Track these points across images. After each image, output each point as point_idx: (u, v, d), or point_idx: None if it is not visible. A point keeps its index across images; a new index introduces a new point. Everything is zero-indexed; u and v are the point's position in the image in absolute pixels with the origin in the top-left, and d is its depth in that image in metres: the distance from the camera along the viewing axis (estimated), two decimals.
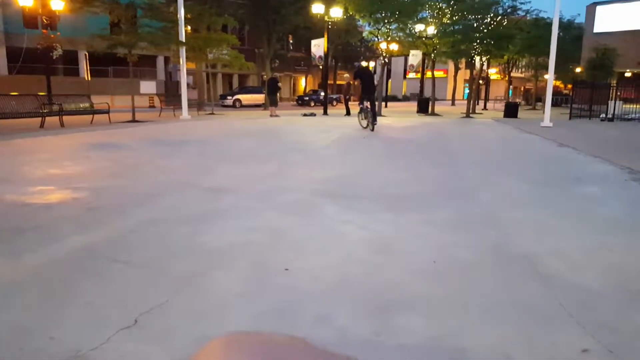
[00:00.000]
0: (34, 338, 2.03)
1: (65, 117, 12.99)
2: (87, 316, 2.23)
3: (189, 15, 17.15)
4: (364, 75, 12.57)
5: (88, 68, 18.31)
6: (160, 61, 25.92)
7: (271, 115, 18.85)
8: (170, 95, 20.34)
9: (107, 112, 14.36)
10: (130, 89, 16.06)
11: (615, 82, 22.61)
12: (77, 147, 8.84)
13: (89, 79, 17.61)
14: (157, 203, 4.46)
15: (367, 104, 12.36)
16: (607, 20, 35.03)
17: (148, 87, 19.19)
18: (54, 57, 17.12)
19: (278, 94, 20.73)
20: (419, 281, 2.68)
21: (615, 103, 19.30)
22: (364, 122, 12.67)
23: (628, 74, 33.31)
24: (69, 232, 3.50)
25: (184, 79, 17.43)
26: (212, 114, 20.24)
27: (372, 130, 12.21)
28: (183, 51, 16.92)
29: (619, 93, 19.87)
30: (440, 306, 2.38)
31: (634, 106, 19.14)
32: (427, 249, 3.24)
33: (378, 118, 13.37)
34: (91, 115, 14.16)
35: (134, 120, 14.78)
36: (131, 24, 15.11)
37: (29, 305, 2.35)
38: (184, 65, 17.21)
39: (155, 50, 18.79)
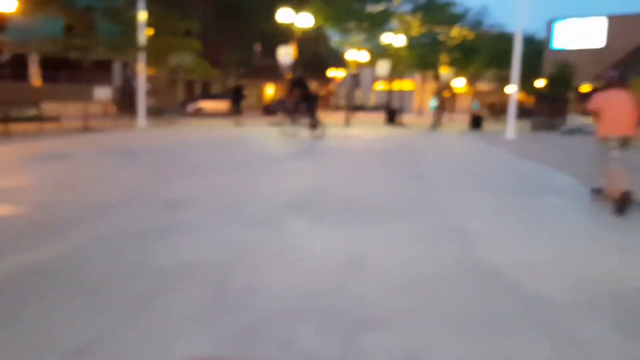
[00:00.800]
0: None
1: (11, 126, 12.06)
2: (29, 342, 2.05)
3: (150, 19, 16.42)
4: (301, 85, 13.77)
5: (39, 73, 17.25)
6: (116, 66, 24.84)
7: (236, 125, 18.30)
8: (126, 102, 19.38)
9: (58, 119, 13.47)
10: (83, 95, 15.16)
11: (574, 95, 23.30)
12: (23, 157, 8.32)
13: (40, 84, 16.58)
14: (109, 218, 4.18)
15: (302, 112, 13.45)
16: (565, 36, 36.39)
17: (103, 93, 18.20)
18: (1, 61, 16.02)
19: (243, 103, 20.19)
20: (386, 297, 2.64)
21: (573, 117, 19.87)
22: (293, 130, 13.41)
23: (586, 89, 34.56)
24: (12, 250, 3.27)
25: (141, 85, 16.63)
26: (172, 122, 19.44)
27: (320, 135, 13.02)
28: (141, 56, 16.16)
29: (576, 106, 20.47)
30: (408, 322, 2.35)
31: (591, 120, 19.70)
32: (394, 263, 3.20)
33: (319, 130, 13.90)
34: (40, 124, 13.22)
35: (86, 129, 13.92)
36: (87, 28, 14.32)
37: None
38: (141, 71, 16.45)
39: (113, 55, 17.92)
